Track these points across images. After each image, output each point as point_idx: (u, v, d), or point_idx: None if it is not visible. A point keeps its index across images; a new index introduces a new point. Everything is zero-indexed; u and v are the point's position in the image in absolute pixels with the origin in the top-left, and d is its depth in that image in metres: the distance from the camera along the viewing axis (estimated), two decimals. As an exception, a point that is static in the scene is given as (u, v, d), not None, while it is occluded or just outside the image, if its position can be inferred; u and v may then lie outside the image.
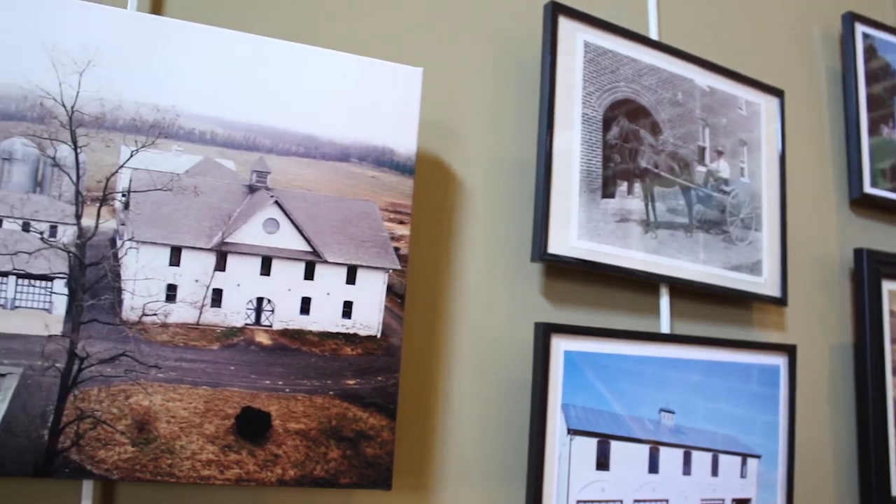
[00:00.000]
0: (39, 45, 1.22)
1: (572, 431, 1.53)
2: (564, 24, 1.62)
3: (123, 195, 1.26)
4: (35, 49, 1.22)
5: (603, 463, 1.56)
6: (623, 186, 1.67)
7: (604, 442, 1.57)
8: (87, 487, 1.25)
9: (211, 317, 1.29)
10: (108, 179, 1.25)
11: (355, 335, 1.35)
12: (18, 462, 1.17)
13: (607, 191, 1.64)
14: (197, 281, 1.28)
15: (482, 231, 1.58)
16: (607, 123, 1.66)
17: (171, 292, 1.27)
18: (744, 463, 1.77)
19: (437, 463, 1.48)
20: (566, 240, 1.56)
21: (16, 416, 1.17)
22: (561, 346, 1.53)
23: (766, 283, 1.90)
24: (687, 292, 1.81)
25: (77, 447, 1.19)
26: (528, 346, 1.54)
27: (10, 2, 1.22)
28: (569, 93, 1.61)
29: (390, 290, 1.37)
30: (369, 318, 1.36)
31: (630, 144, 1.69)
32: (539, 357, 1.50)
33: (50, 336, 1.21)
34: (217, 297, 1.30)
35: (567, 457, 1.52)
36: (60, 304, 1.23)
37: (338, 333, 1.34)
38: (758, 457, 1.80)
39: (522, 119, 1.65)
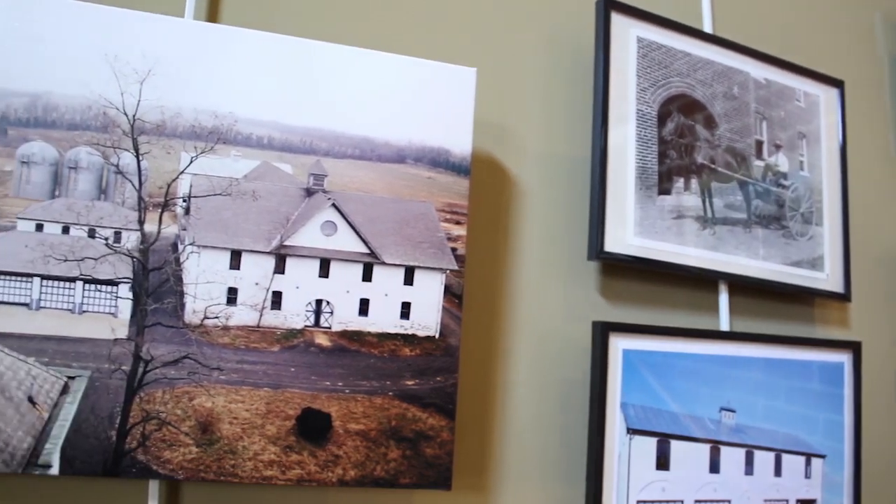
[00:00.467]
0: (102, 56, 1.25)
1: (631, 431, 1.51)
2: (617, 19, 1.61)
3: (184, 200, 1.29)
4: (98, 60, 1.25)
5: (663, 463, 1.54)
6: (679, 182, 1.64)
7: (663, 441, 1.55)
8: (154, 487, 1.28)
9: (271, 319, 1.30)
10: (169, 185, 1.27)
11: (413, 336, 1.35)
12: (88, 462, 1.20)
13: (663, 187, 1.62)
14: (257, 284, 1.30)
15: (538, 230, 1.57)
16: (662, 119, 1.64)
17: (231, 295, 1.29)
18: (808, 463, 1.73)
19: (496, 463, 1.48)
20: (623, 237, 1.54)
21: (85, 417, 1.21)
22: (619, 344, 1.51)
23: (828, 278, 1.85)
24: (746, 289, 1.78)
25: (143, 448, 1.22)
26: (586, 344, 1.53)
27: (74, 15, 1.26)
28: (622, 89, 1.59)
29: (448, 290, 1.38)
30: (427, 319, 1.36)
31: (686, 140, 1.67)
32: (597, 356, 1.49)
33: (116, 339, 1.24)
34: (277, 300, 1.31)
35: (626, 456, 1.50)
36: (125, 309, 1.26)
37: (396, 334, 1.35)
38: (822, 457, 1.75)
39: (576, 117, 1.64)
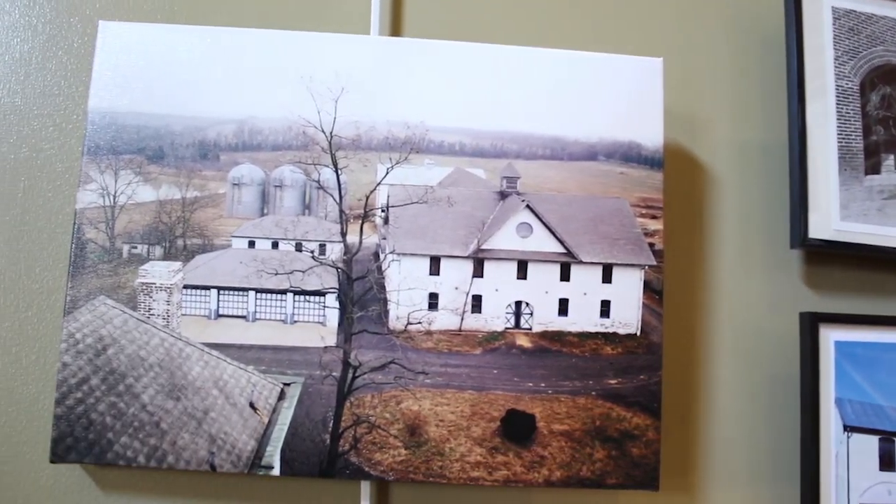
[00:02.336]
0: (298, 79, 1.32)
1: (849, 428, 1.41)
2: (808, -10, 1.51)
3: (383, 210, 1.33)
4: (295, 82, 1.32)
5: (888, 463, 1.43)
6: (889, 160, 1.52)
7: (887, 440, 1.43)
8: (366, 488, 1.33)
9: (472, 322, 1.33)
10: (367, 197, 1.32)
11: (614, 334, 1.33)
12: (306, 463, 1.27)
13: (870, 165, 1.50)
14: (457, 288, 1.33)
15: (736, 220, 1.50)
16: (864, 92, 1.52)
17: (432, 300, 1.32)
18: None
19: (702, 463, 1.43)
20: (827, 223, 1.45)
21: (301, 421, 1.27)
22: (830, 336, 1.42)
23: None
24: (973, 272, 1.62)
25: (356, 450, 1.27)
26: (793, 337, 1.44)
27: (271, 43, 1.34)
28: (819, 64, 1.49)
29: (647, 286, 1.35)
30: (628, 317, 1.34)
31: (893, 112, 1.54)
32: (807, 349, 1.41)
33: (326, 347, 1.30)
34: (477, 303, 1.33)
35: (845, 456, 1.40)
36: (333, 317, 1.32)
37: (597, 333, 1.33)
38: None
39: (769, 99, 1.55)
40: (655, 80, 1.36)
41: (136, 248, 1.31)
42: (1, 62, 1.43)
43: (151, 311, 1.30)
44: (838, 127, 1.48)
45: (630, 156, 1.35)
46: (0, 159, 1.40)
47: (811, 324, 1.41)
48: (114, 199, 1.31)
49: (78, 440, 1.21)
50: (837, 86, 1.49)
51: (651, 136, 1.35)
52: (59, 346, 1.25)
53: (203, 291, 1.32)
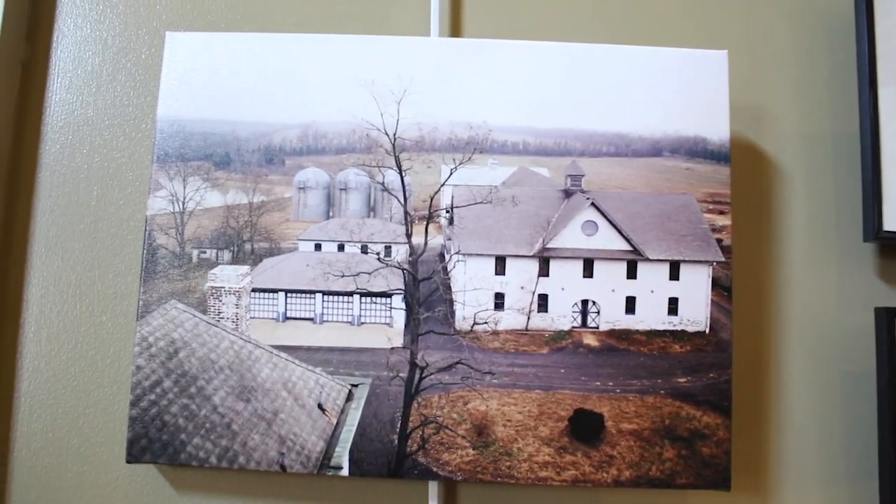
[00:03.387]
0: (361, 82, 1.33)
1: (929, 426, 1.37)
2: (879, -29, 1.47)
3: (447, 211, 1.34)
4: (358, 86, 1.33)
5: (971, 462, 1.38)
6: (967, 148, 1.47)
7: (968, 437, 1.39)
8: (433, 488, 1.33)
9: (538, 322, 1.32)
10: (431, 198, 1.33)
11: (683, 332, 1.31)
12: (374, 464, 1.28)
13: (947, 154, 1.45)
14: (522, 288, 1.33)
15: (805, 213, 1.47)
16: (940, 78, 1.47)
17: (498, 300, 1.32)
18: None
19: (775, 462, 1.40)
20: (903, 214, 1.41)
21: (369, 422, 1.29)
22: (907, 332, 1.38)
23: None
24: None
25: (423, 451, 1.28)
26: (867, 333, 1.41)
27: (333, 47, 1.35)
28: (891, 48, 1.44)
29: (715, 283, 1.33)
30: (696, 314, 1.32)
31: (969, 99, 1.49)
32: (883, 345, 1.36)
33: (392, 348, 1.31)
34: (543, 303, 1.33)
35: (925, 455, 1.36)
36: (399, 319, 1.33)
37: (665, 331, 1.32)
38: None
39: (838, 89, 1.52)
40: (720, 74, 1.34)
41: (205, 252, 1.34)
42: (74, 76, 1.47)
43: (221, 315, 1.32)
44: (913, 115, 1.44)
45: (696, 151, 1.33)
46: (74, 169, 1.45)
47: (887, 319, 1.36)
48: (183, 205, 1.34)
49: (152, 441, 1.24)
50: (911, 72, 1.45)
51: (717, 130, 1.33)
52: (133, 349, 1.28)
53: (271, 294, 1.34)
